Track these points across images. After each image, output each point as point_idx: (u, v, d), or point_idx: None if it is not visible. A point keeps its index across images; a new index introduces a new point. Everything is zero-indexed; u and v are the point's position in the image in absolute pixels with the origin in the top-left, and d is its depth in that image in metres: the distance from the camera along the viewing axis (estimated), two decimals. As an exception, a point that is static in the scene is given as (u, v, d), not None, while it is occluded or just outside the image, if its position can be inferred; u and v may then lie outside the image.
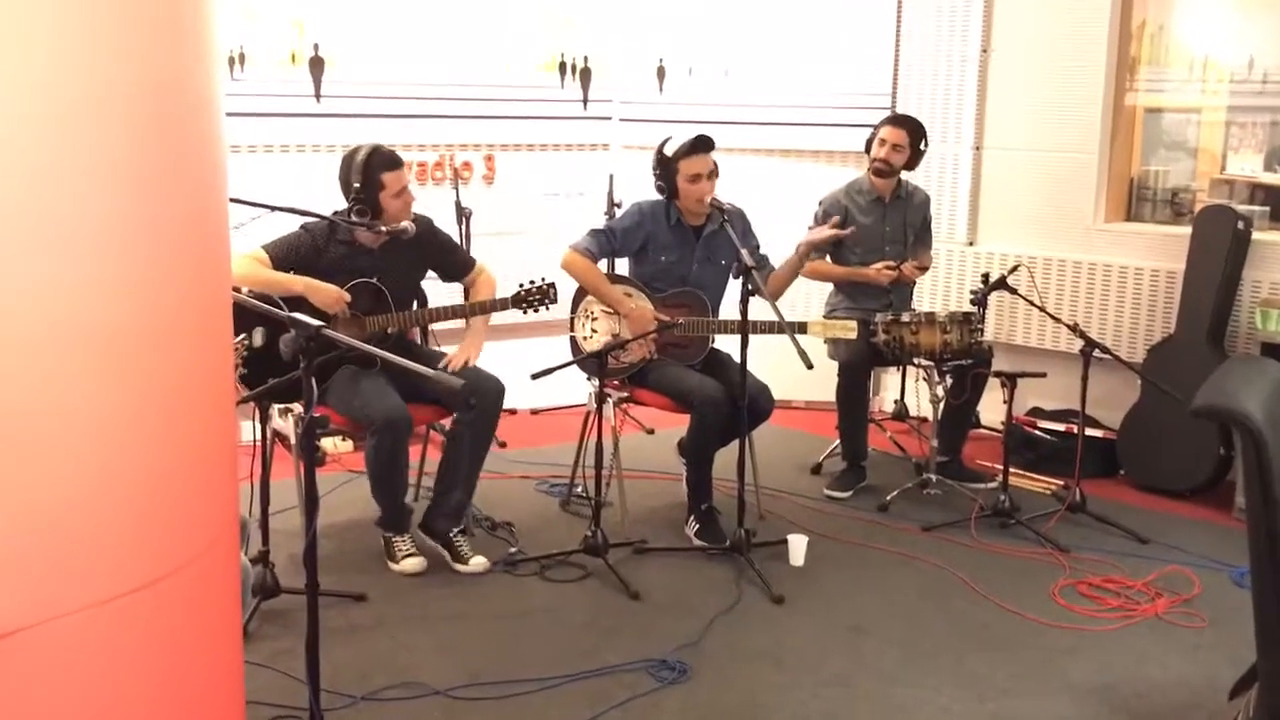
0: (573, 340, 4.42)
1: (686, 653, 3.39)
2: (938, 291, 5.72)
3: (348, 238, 3.98)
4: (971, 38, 5.59)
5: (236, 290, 3.13)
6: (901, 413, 5.37)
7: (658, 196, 4.34)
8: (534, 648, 3.43)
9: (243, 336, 3.61)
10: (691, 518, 4.27)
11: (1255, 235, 4.88)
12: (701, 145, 4.22)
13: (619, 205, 5.45)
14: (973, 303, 4.57)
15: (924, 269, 5.08)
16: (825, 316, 4.93)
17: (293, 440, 3.97)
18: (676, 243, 4.35)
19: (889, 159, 4.87)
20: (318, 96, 5.38)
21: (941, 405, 4.63)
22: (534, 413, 5.80)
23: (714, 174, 4.25)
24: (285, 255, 3.91)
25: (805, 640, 3.52)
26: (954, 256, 5.70)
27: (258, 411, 3.58)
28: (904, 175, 4.99)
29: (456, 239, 4.76)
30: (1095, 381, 4.48)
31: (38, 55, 1.58)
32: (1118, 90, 5.34)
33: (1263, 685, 2.38)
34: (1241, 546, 2.48)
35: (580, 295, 4.40)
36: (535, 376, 3.86)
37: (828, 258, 4.95)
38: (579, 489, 4.60)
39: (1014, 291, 4.63)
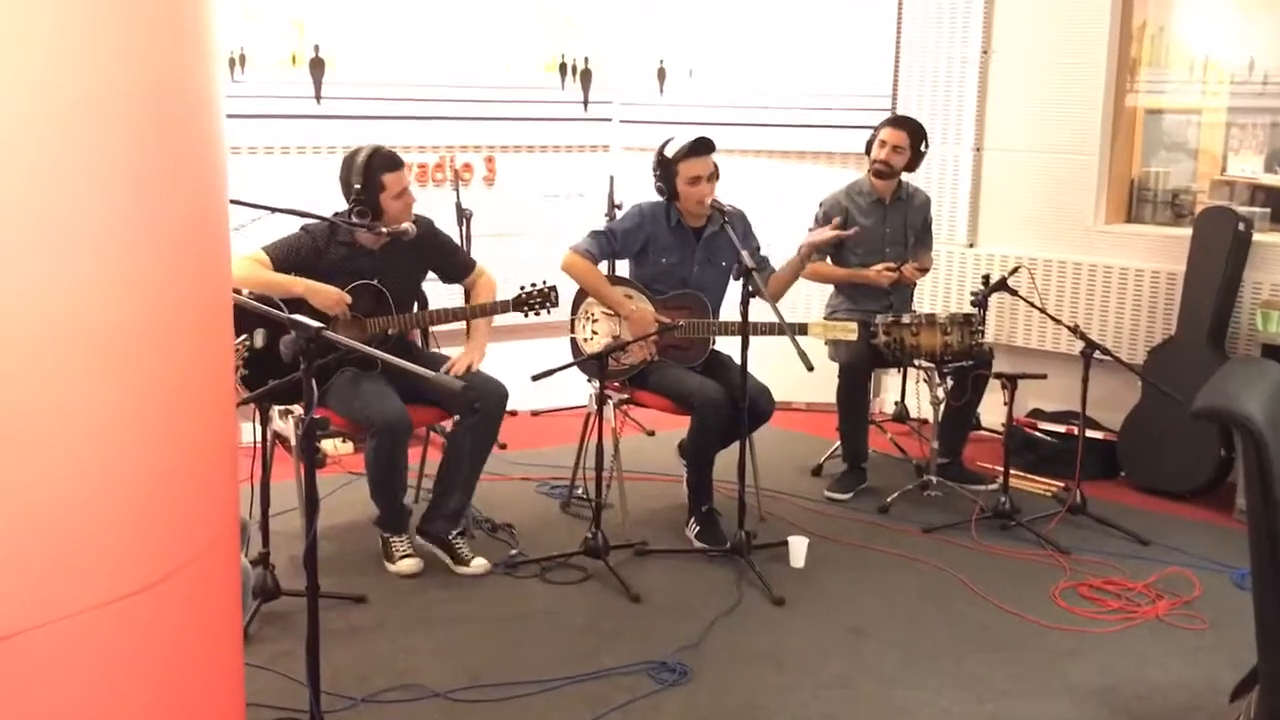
0: (573, 342, 4.42)
1: (687, 655, 3.38)
2: (938, 293, 5.71)
3: (348, 239, 3.98)
4: (972, 39, 5.59)
5: (237, 292, 3.13)
6: (902, 414, 5.37)
7: (658, 198, 4.33)
8: (534, 650, 3.43)
9: (243, 337, 3.61)
10: (692, 519, 4.27)
11: (1256, 237, 4.88)
12: (701, 147, 4.22)
13: (619, 207, 5.46)
14: (973, 304, 4.57)
15: (924, 270, 5.08)
16: (826, 318, 4.93)
17: (293, 442, 3.96)
18: (677, 244, 4.35)
19: (889, 160, 4.86)
20: (318, 98, 5.38)
21: (942, 407, 4.62)
22: (534, 414, 5.80)
23: (714, 176, 4.24)
24: (285, 257, 3.90)
25: (806, 642, 3.52)
26: (954, 258, 5.69)
27: (258, 413, 3.57)
28: (904, 177, 4.98)
29: (457, 241, 4.76)
30: (1096, 383, 4.47)
31: (38, 55, 1.58)
32: (1118, 91, 5.34)
33: (1264, 688, 2.37)
34: (1242, 548, 2.48)
35: (580, 297, 4.40)
36: (536, 378, 3.86)
37: (828, 259, 4.94)
38: (579, 491, 4.59)
39: (1014, 293, 4.63)
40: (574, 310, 4.41)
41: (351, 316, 3.93)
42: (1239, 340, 4.92)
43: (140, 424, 1.76)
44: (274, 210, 3.56)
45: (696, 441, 4.22)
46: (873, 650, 3.47)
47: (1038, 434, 5.17)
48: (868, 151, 4.95)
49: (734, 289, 4.12)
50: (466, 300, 4.21)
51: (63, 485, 1.66)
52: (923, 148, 4.90)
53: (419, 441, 4.53)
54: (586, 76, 6.14)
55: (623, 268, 4.68)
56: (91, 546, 1.70)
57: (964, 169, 5.69)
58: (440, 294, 4.38)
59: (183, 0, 1.83)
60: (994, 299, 4.74)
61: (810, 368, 3.57)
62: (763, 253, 4.39)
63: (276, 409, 3.87)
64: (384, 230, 3.90)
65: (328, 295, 3.87)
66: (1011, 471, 4.51)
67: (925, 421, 4.92)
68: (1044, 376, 4.57)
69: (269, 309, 2.94)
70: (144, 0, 1.74)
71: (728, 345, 4.28)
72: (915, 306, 5.12)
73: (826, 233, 4.64)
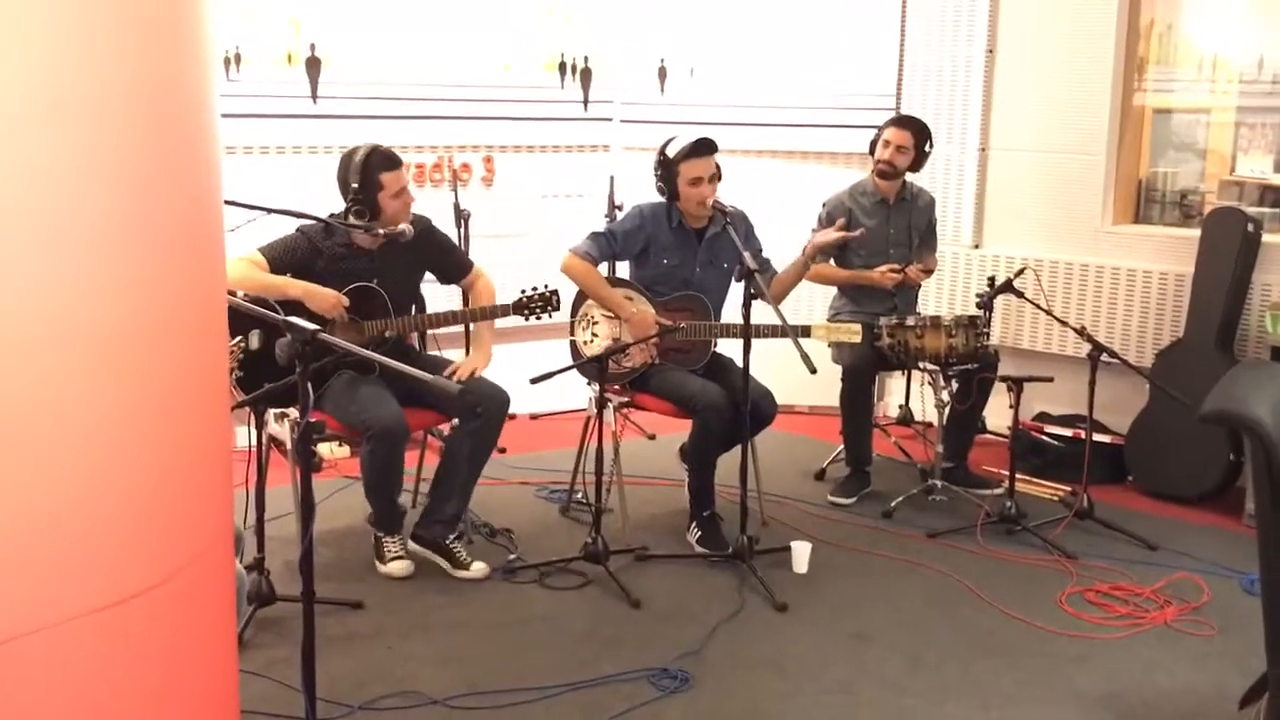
0: (573, 344, 4.41)
1: (688, 661, 3.37)
2: (943, 295, 5.70)
3: (345, 240, 3.97)
4: (977, 38, 5.58)
5: (232, 294, 3.12)
6: (906, 418, 5.38)
7: (659, 199, 4.32)
8: (533, 656, 3.42)
9: (238, 339, 3.60)
10: (693, 524, 4.25)
11: (1265, 238, 4.86)
12: (703, 148, 4.21)
13: (620, 208, 5.47)
14: (978, 306, 4.57)
15: (929, 272, 5.07)
16: (829, 320, 4.93)
17: (289, 445, 3.95)
18: (678, 245, 4.34)
19: (893, 161, 4.85)
20: (314, 97, 5.37)
21: (947, 410, 4.61)
22: (534, 418, 5.79)
23: (715, 177, 4.24)
24: (281, 258, 3.90)
25: (808, 648, 3.50)
26: (959, 259, 5.68)
27: (253, 416, 3.55)
28: (909, 177, 4.97)
29: (455, 241, 4.75)
30: (1103, 386, 4.46)
31: (31, 54, 1.58)
32: (1125, 91, 5.32)
33: (1273, 694, 2.41)
34: (1251, 553, 2.49)
35: (580, 299, 4.39)
36: (535, 381, 3.85)
37: (831, 260, 4.93)
38: (579, 495, 4.59)
39: (1020, 295, 4.63)
40: (574, 313, 4.40)
41: (349, 319, 3.93)
42: (1248, 343, 4.90)
43: (134, 427, 1.75)
44: (269, 211, 3.54)
45: (698, 445, 4.20)
46: (876, 657, 3.46)
47: (1044, 438, 5.17)
48: (871, 152, 4.94)
49: (736, 291, 4.12)
50: (464, 302, 4.20)
51: (55, 489, 1.66)
52: (927, 148, 4.89)
53: (416, 445, 4.51)
54: (586, 75, 6.14)
55: (623, 269, 4.67)
56: (84, 551, 1.69)
57: (969, 169, 5.68)
58: (438, 296, 4.36)
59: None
60: (999, 301, 4.77)
61: (813, 370, 3.56)
62: (764, 254, 4.37)
63: (272, 412, 3.88)
64: (380, 231, 3.89)
65: (325, 298, 3.86)
66: (1017, 476, 4.51)
67: (930, 425, 4.90)
68: (1050, 379, 4.58)
69: (265, 311, 2.92)
70: None
71: (730, 348, 4.27)
72: (920, 308, 5.12)
73: (831, 234, 4.63)
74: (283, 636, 3.40)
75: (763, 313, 3.92)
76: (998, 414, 5.13)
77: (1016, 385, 4.36)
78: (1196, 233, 4.99)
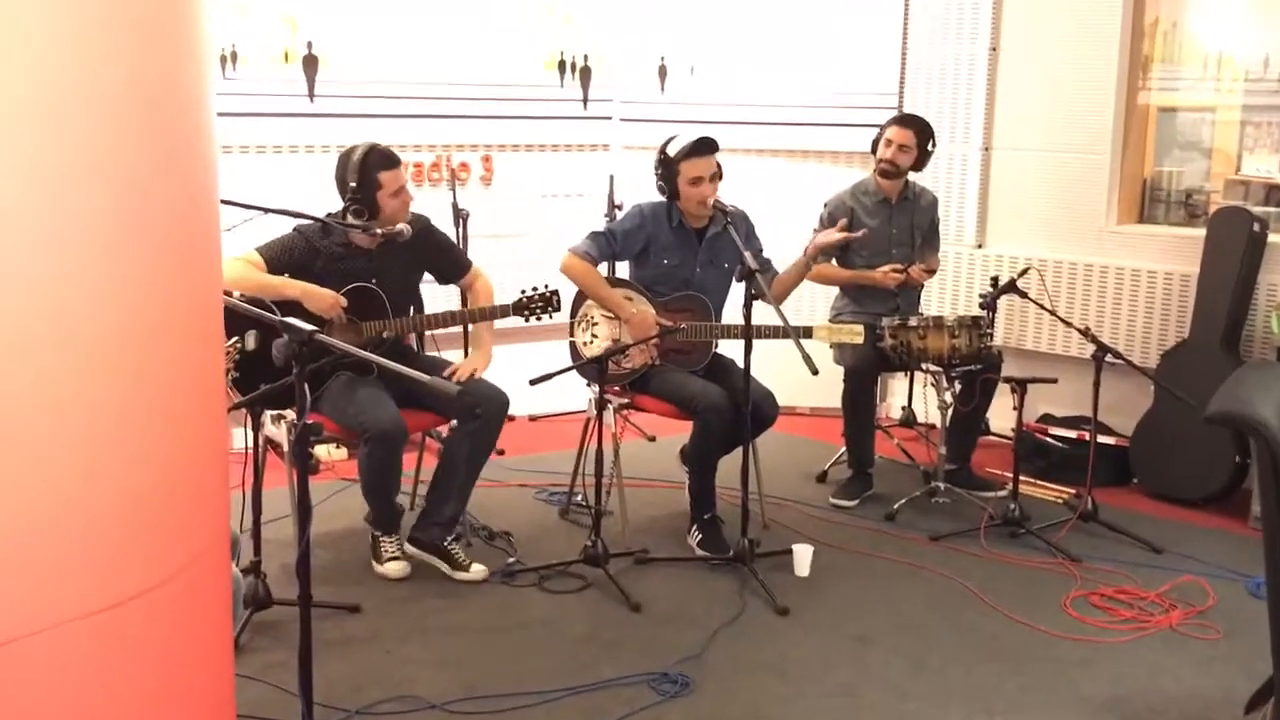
0: (572, 345, 4.41)
1: (689, 665, 3.36)
2: (946, 295, 5.69)
3: (343, 240, 3.97)
4: (980, 36, 5.57)
5: (228, 294, 3.10)
6: (909, 419, 5.37)
7: (659, 198, 4.31)
8: (532, 660, 3.41)
9: (234, 340, 3.58)
10: (694, 527, 4.24)
11: (1271, 237, 4.85)
12: (704, 147, 4.19)
13: (619, 207, 5.47)
14: (982, 307, 4.55)
15: (932, 272, 5.06)
16: (831, 321, 4.93)
17: (285, 447, 3.94)
18: (678, 245, 4.33)
19: (895, 160, 4.83)
20: (311, 96, 5.36)
21: (950, 411, 4.60)
22: (533, 419, 5.78)
23: (716, 176, 4.22)
24: (279, 258, 3.89)
25: (810, 652, 3.50)
26: (962, 259, 5.67)
27: (250, 418, 3.54)
28: (911, 176, 4.96)
29: (453, 241, 4.73)
30: (1107, 387, 4.45)
31: (24, 52, 1.57)
32: (1130, 89, 5.31)
33: (1279, 699, 2.40)
34: (1257, 556, 2.51)
35: (580, 300, 4.39)
36: (534, 382, 3.84)
37: (833, 260, 4.93)
38: (579, 497, 4.58)
39: (1024, 295, 4.61)
40: (573, 313, 4.39)
41: (347, 320, 3.92)
42: (1254, 343, 4.89)
43: (128, 428, 1.75)
44: (266, 211, 3.55)
45: (699, 447, 4.19)
46: (879, 660, 3.45)
47: (1048, 439, 5.16)
48: (873, 150, 4.93)
49: (737, 291, 4.12)
50: (462, 303, 4.19)
51: (51, 491, 1.65)
52: (930, 147, 4.88)
53: (414, 447, 4.49)
54: (586, 74, 6.13)
55: (623, 269, 4.67)
56: (80, 554, 1.69)
57: (972, 168, 5.67)
58: (437, 297, 4.35)
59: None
60: (1003, 301, 4.74)
61: (815, 371, 3.55)
62: (764, 255, 4.37)
63: (269, 413, 3.86)
64: (378, 231, 3.89)
65: (323, 298, 3.85)
66: (1021, 478, 4.49)
67: (933, 426, 4.89)
68: (1054, 381, 4.60)
69: (261, 312, 2.91)
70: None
71: (731, 349, 4.26)
72: (922, 309, 5.12)
73: (834, 235, 4.61)
74: (279, 640, 3.39)
75: (764, 313, 3.91)
76: (1001, 416, 5.11)
77: (1020, 386, 4.35)
78: (1202, 232, 4.98)
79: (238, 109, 5.09)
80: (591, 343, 4.34)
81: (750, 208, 4.43)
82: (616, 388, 4.33)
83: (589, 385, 4.33)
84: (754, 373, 3.92)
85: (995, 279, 4.64)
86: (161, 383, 1.80)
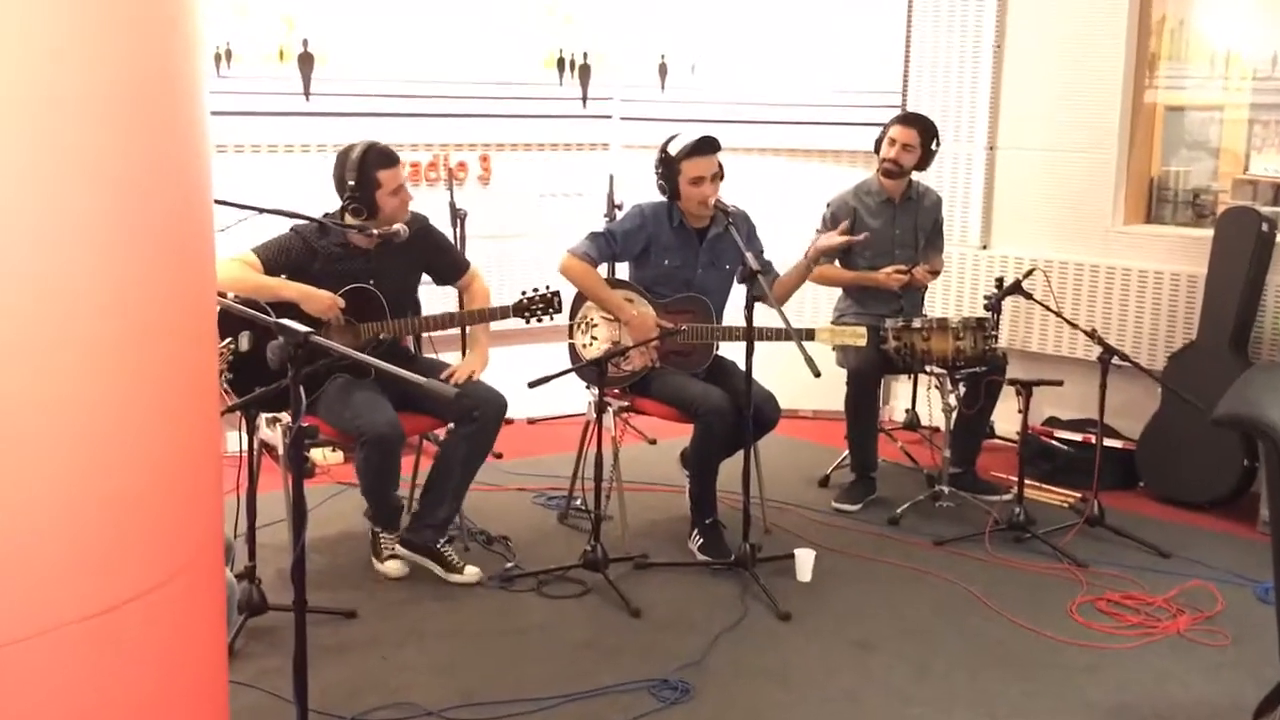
0: (572, 347, 4.39)
1: (689, 672, 3.35)
2: (950, 296, 5.68)
3: (340, 240, 3.95)
4: (985, 33, 5.56)
5: (221, 295, 3.09)
6: (913, 422, 5.36)
7: (660, 198, 4.30)
8: (531, 667, 3.40)
9: (228, 341, 3.58)
10: (695, 531, 4.23)
11: (1280, 238, 4.84)
12: (705, 146, 4.18)
13: (619, 207, 5.47)
14: (986, 308, 4.55)
15: (936, 273, 5.04)
16: (834, 322, 4.91)
17: (281, 451, 3.92)
18: (679, 246, 4.32)
19: (899, 159, 4.82)
20: (307, 94, 5.34)
21: (954, 414, 4.60)
22: (531, 422, 5.78)
23: (718, 176, 4.21)
24: (275, 258, 3.88)
25: (812, 658, 3.49)
26: (967, 260, 5.66)
27: (244, 421, 3.53)
28: (915, 176, 4.95)
29: (451, 241, 4.72)
30: (1114, 390, 4.44)
31: (17, 51, 1.57)
32: (1136, 88, 5.30)
33: None
34: (1266, 561, 2.51)
35: (579, 301, 4.37)
36: (533, 385, 3.82)
37: (836, 262, 4.93)
38: (578, 501, 4.57)
39: (1029, 296, 4.59)
40: (573, 315, 4.38)
41: (344, 321, 3.91)
42: (1262, 345, 4.87)
43: (120, 431, 1.75)
44: (261, 210, 3.56)
45: (700, 450, 4.18)
46: (882, 666, 3.44)
47: (1054, 442, 5.15)
48: (876, 150, 4.92)
49: (738, 293, 4.13)
50: (459, 304, 4.17)
51: (42, 495, 1.65)
52: (934, 146, 4.86)
53: (411, 449, 4.47)
54: (585, 72, 6.11)
55: (622, 270, 4.65)
56: (70, 560, 1.69)
57: (977, 168, 5.66)
58: (435, 298, 4.32)
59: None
60: (1008, 302, 4.74)
61: (817, 374, 3.55)
62: (766, 256, 4.35)
63: (264, 416, 3.85)
64: (375, 232, 3.88)
65: (320, 300, 3.84)
66: (1026, 481, 4.49)
67: (937, 429, 4.89)
68: (1060, 383, 4.60)
69: (255, 313, 2.90)
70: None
71: (732, 351, 4.25)
72: (926, 310, 5.11)
73: (835, 237, 4.60)
74: (274, 646, 3.39)
75: (766, 315, 3.89)
76: (1006, 418, 5.12)
77: (1025, 389, 4.34)
78: (1209, 233, 4.97)
79: (233, 108, 5.08)
80: (591, 345, 4.33)
81: (751, 207, 4.41)
82: (616, 390, 4.32)
83: (588, 388, 4.31)
84: (756, 375, 3.91)
85: (1000, 280, 4.64)
86: (155, 384, 1.80)
